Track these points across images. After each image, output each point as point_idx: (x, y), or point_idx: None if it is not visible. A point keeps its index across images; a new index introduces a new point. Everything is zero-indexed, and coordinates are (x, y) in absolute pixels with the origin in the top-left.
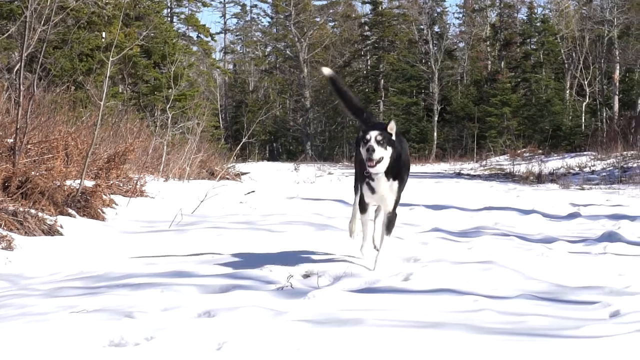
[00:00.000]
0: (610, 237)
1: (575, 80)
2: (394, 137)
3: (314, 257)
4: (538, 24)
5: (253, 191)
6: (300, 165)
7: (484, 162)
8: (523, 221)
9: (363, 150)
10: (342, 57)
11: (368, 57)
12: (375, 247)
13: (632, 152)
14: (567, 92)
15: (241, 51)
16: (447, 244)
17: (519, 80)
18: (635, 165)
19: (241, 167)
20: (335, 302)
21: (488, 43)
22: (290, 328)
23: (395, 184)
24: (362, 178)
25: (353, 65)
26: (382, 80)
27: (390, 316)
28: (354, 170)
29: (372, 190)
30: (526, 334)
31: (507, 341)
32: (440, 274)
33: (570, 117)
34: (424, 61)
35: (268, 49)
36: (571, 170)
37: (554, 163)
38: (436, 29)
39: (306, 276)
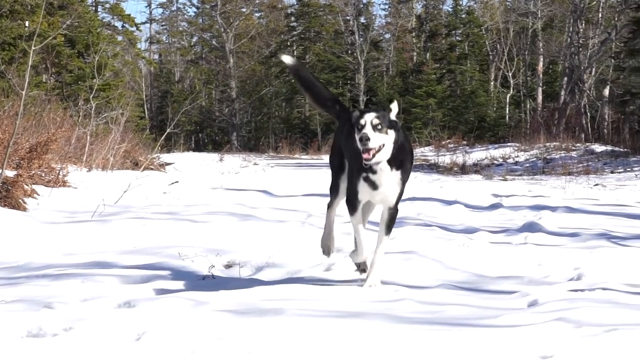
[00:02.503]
0: (531, 227)
1: (499, 71)
2: (394, 118)
3: (236, 247)
4: (463, 16)
5: (177, 181)
6: (226, 156)
7: None
8: (445, 212)
9: (357, 139)
10: (268, 47)
11: (294, 48)
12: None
13: (554, 143)
14: (492, 83)
15: (167, 41)
16: (369, 235)
17: (444, 71)
18: (557, 156)
19: (166, 157)
20: (256, 292)
21: (414, 34)
22: (211, 318)
23: (399, 174)
24: (358, 172)
25: (279, 56)
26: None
27: (311, 306)
28: (328, 164)
29: (374, 186)
30: (445, 324)
31: (426, 330)
32: None
33: (494, 109)
34: (350, 52)
35: (194, 39)
36: (495, 161)
37: (478, 154)
38: (362, 20)
39: (228, 266)
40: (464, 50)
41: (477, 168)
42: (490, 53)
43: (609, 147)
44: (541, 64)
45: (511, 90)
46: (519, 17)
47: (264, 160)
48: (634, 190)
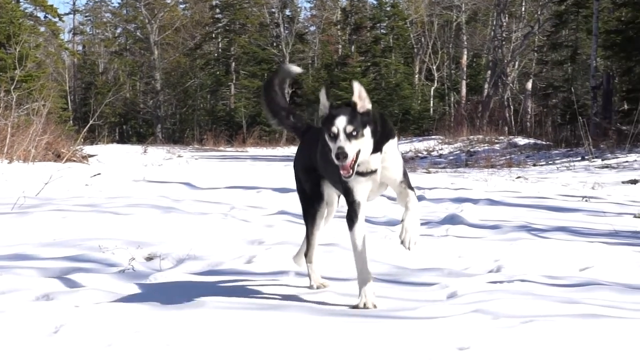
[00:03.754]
0: (453, 219)
1: (424, 64)
2: (368, 106)
3: (158, 239)
4: (388, 9)
5: (99, 173)
6: (150, 148)
7: None
8: (368, 204)
9: (331, 149)
10: (193, 39)
11: (219, 40)
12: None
13: (478, 136)
14: (416, 76)
15: (91, 32)
16: (292, 227)
17: (369, 64)
18: (481, 149)
19: (89, 149)
20: (176, 284)
21: (339, 27)
22: (130, 311)
23: (391, 144)
24: (352, 185)
25: (204, 48)
26: (233, 63)
27: (231, 298)
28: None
29: (372, 182)
30: (364, 315)
31: (346, 322)
32: (284, 256)
33: (419, 102)
34: (275, 44)
35: (118, 31)
36: (419, 154)
37: (403, 147)
38: (287, 12)
39: (149, 259)
40: (389, 43)
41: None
42: (414, 46)
43: (532, 140)
44: (465, 57)
45: (435, 83)
46: (443, 10)
47: (188, 153)
48: (555, 182)
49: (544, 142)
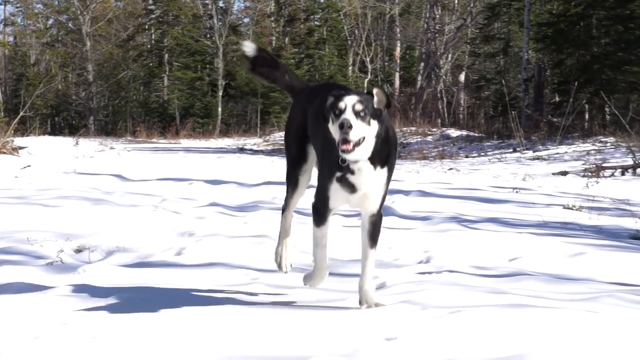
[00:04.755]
0: (384, 211)
1: (357, 56)
2: (377, 105)
3: (87, 231)
4: (322, 1)
5: (29, 165)
6: (82, 140)
7: (267, 138)
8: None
9: (334, 126)
10: (125, 30)
11: (152, 32)
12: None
13: (411, 128)
14: (350, 68)
15: (22, 23)
16: (223, 219)
17: (302, 56)
18: (414, 141)
19: (20, 141)
20: (105, 276)
21: (272, 19)
22: (57, 303)
23: (384, 173)
24: (331, 170)
25: (137, 40)
26: (167, 55)
27: (160, 290)
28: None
29: (351, 189)
30: (294, 306)
31: (274, 314)
32: (215, 248)
33: None
34: (208, 36)
35: (50, 22)
36: None
37: None
38: (221, 4)
39: (78, 251)
40: (323, 35)
41: None
42: (348, 38)
43: (464, 132)
44: (398, 49)
45: (369, 75)
46: (376, 2)
47: (120, 145)
48: (486, 174)
49: (476, 134)
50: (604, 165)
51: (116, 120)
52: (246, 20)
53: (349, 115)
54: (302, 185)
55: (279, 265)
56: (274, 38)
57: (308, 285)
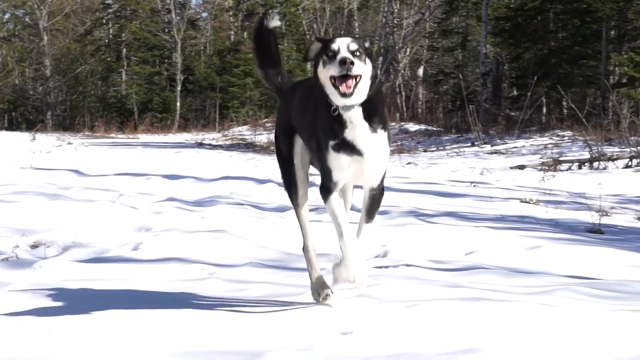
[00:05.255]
0: None
1: None
2: (369, 47)
3: (43, 227)
4: None
5: None
6: (39, 135)
7: (226, 132)
8: (259, 190)
9: (327, 68)
10: (83, 25)
11: (110, 26)
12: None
13: None
14: (309, 63)
15: None
16: (180, 213)
17: None
18: None
19: None
20: (61, 272)
21: (231, 13)
22: (11, 299)
23: (382, 132)
24: (326, 140)
25: (95, 34)
26: (125, 50)
27: (116, 285)
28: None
29: (351, 149)
30: (250, 301)
31: (230, 309)
32: (171, 243)
33: None
34: (166, 31)
35: (6, 16)
36: None
37: None
38: None
39: (34, 246)
40: (281, 30)
41: None
42: (307, 33)
43: (423, 126)
44: None
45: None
46: None
47: (78, 140)
48: (444, 168)
49: (434, 128)
50: (561, 159)
51: (74, 115)
52: (204, 14)
53: (346, 54)
54: (303, 183)
55: (311, 275)
56: (232, 32)
57: (337, 278)
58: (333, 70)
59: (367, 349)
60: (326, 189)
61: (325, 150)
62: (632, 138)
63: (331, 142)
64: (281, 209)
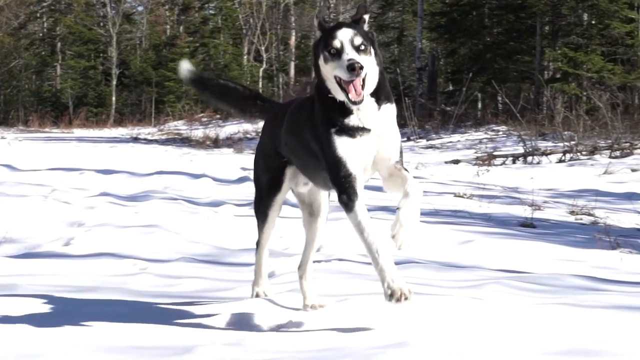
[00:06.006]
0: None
1: (252, 45)
2: (370, 31)
3: None
4: None
5: None
6: None
7: (162, 127)
8: (193, 185)
9: (329, 65)
10: (17, 19)
11: (44, 20)
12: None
13: None
14: (245, 57)
15: None
16: (114, 208)
17: (197, 45)
18: None
19: None
20: None
21: (167, 7)
22: None
23: (388, 106)
24: (328, 137)
25: (29, 28)
26: (59, 44)
27: (47, 281)
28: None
29: (354, 130)
30: (180, 297)
31: (160, 304)
32: (103, 238)
33: (247, 82)
34: (102, 24)
35: None
36: (248, 135)
37: (232, 128)
38: None
39: None
40: (218, 24)
41: (230, 142)
42: (243, 27)
43: None
44: (293, 38)
45: (264, 65)
46: None
47: (12, 134)
48: None
49: None
50: (495, 153)
51: (8, 109)
52: (140, 8)
53: (351, 54)
54: (272, 220)
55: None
56: (168, 27)
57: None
58: (339, 71)
59: (298, 344)
60: (347, 195)
61: (328, 144)
62: (566, 133)
63: (332, 130)
64: (215, 204)
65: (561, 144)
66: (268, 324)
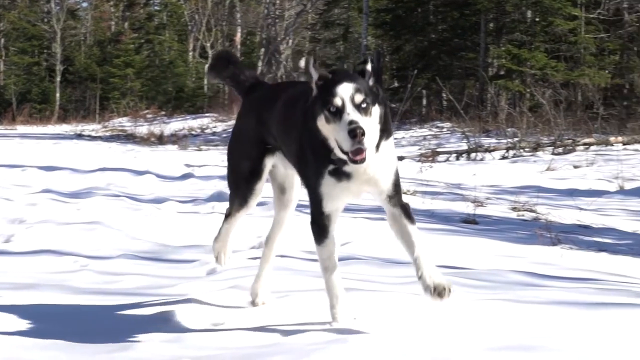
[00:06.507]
0: (220, 197)
1: (198, 42)
2: (374, 83)
3: None
4: None
5: None
6: None
7: (106, 124)
8: (136, 182)
9: (330, 126)
10: None
11: None
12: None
13: None
14: (190, 54)
15: None
16: (56, 205)
17: (142, 41)
18: None
19: None
20: None
21: (111, 3)
22: None
23: (386, 146)
24: (320, 169)
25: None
26: (3, 40)
27: None
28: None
29: (347, 176)
30: (121, 293)
31: (100, 301)
32: (45, 235)
33: (193, 79)
34: (46, 20)
35: None
36: (193, 132)
37: (176, 124)
38: None
39: None
40: (163, 20)
41: (175, 138)
42: (188, 23)
43: None
44: (239, 34)
45: (209, 61)
46: None
47: None
48: None
49: None
50: (439, 150)
51: None
52: (85, 4)
53: (353, 114)
54: (251, 205)
55: (217, 258)
56: (113, 23)
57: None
58: (339, 135)
59: (237, 340)
60: (319, 227)
61: (318, 178)
62: (509, 129)
63: (328, 167)
64: (159, 201)
65: (504, 141)
66: (208, 320)
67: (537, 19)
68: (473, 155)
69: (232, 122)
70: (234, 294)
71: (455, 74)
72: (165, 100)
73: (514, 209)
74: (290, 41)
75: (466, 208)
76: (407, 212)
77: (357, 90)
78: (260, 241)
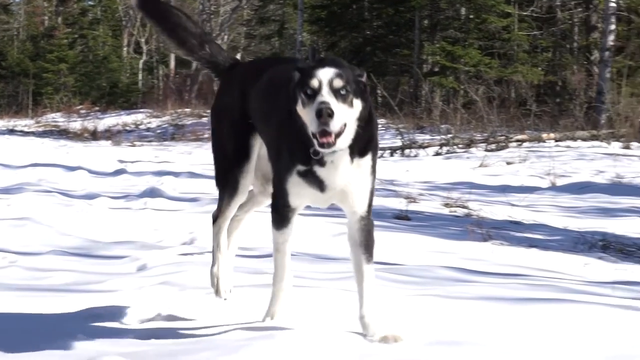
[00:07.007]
0: (152, 192)
1: (132, 37)
2: (362, 78)
3: None
4: None
5: None
6: None
7: (39, 119)
8: (68, 177)
9: (305, 110)
10: None
11: None
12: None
13: (186, 109)
14: (125, 49)
15: None
16: None
17: (76, 36)
18: (189, 122)
19: None
20: None
21: None
22: None
23: (366, 162)
24: (291, 161)
25: None
26: None
27: None
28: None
29: (320, 185)
30: (50, 289)
31: (27, 297)
32: None
33: (127, 75)
34: None
35: None
36: (127, 128)
37: (110, 120)
38: None
39: None
40: (97, 15)
41: (109, 134)
42: (123, 18)
43: None
44: None
45: (144, 56)
46: None
47: None
48: None
49: None
50: None
51: None
52: None
53: (326, 96)
54: (244, 189)
55: (216, 290)
56: (46, 18)
57: (268, 317)
58: (311, 117)
59: (164, 337)
60: (278, 215)
61: (286, 172)
62: (443, 126)
63: (298, 167)
64: (90, 197)
65: (438, 137)
66: (137, 317)
67: (471, 16)
68: (407, 151)
69: (167, 117)
70: (164, 290)
71: (389, 71)
72: (99, 95)
73: (446, 205)
74: (226, 37)
75: (399, 204)
76: (368, 245)
77: (338, 76)
78: (192, 237)
